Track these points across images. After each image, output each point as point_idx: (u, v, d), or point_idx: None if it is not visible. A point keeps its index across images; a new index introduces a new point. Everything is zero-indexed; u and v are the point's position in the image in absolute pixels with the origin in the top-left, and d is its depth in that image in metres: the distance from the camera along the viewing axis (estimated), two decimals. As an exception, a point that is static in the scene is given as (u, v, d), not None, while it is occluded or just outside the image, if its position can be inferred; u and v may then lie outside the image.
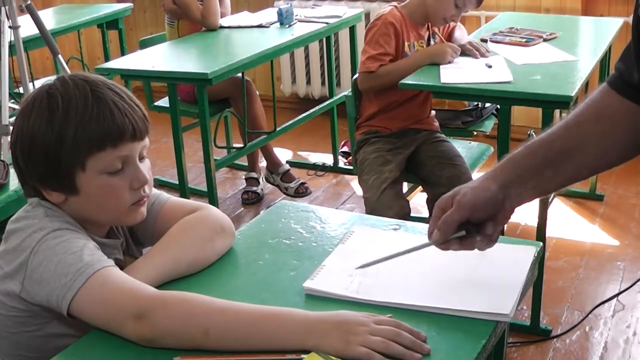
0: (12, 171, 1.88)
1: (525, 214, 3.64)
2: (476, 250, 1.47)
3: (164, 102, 3.98)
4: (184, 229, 1.49)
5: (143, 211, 1.46)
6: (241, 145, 3.85)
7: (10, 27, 3.46)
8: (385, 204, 2.78)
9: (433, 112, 3.20)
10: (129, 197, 1.41)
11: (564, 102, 2.62)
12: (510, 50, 3.18)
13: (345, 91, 3.63)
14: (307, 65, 5.23)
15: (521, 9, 4.44)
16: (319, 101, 4.72)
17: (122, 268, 1.48)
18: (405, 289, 1.35)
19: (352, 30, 4.29)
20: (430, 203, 3.01)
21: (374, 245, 1.52)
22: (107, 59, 4.81)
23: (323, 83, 5.15)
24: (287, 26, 3.92)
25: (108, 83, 1.41)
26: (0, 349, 1.43)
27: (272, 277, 1.44)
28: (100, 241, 1.45)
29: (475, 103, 3.43)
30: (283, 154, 4.52)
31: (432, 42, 3.15)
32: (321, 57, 5.09)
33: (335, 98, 4.38)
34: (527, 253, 1.45)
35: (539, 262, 1.51)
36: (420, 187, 3.24)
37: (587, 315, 2.89)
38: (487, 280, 1.37)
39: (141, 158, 1.43)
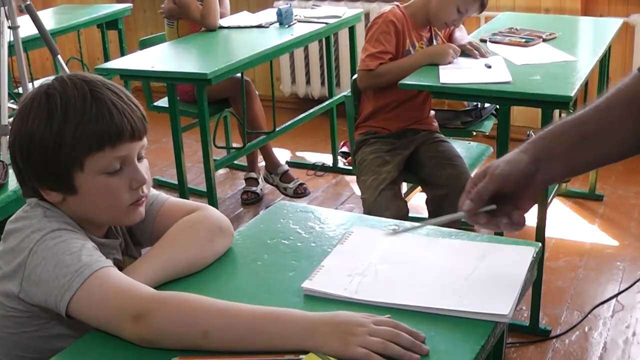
0: (11, 171, 1.88)
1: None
2: (475, 250, 1.47)
3: (163, 102, 3.98)
4: (183, 230, 1.49)
5: (141, 211, 1.46)
6: (240, 145, 3.84)
7: (9, 27, 3.46)
8: (383, 204, 2.78)
9: (432, 113, 3.20)
10: (127, 197, 1.41)
11: (563, 103, 2.62)
12: (509, 51, 3.18)
13: (344, 91, 3.64)
14: (307, 65, 5.23)
15: (521, 9, 4.44)
16: (319, 101, 4.72)
17: (120, 268, 1.48)
18: (404, 290, 1.35)
19: (352, 31, 4.29)
20: (430, 203, 3.00)
21: (373, 245, 1.52)
22: (106, 59, 4.81)
23: (322, 83, 5.16)
24: (286, 26, 3.92)
25: (107, 83, 1.41)
26: (0, 350, 1.43)
27: (271, 278, 1.44)
28: (99, 241, 1.46)
29: (475, 103, 3.43)
30: (282, 154, 4.52)
31: (434, 43, 3.15)
32: (321, 58, 5.09)
33: (334, 98, 4.38)
34: (525, 253, 1.45)
35: (538, 263, 1.51)
36: (419, 188, 3.24)
37: (586, 316, 2.89)
38: (485, 280, 1.37)
39: (140, 158, 1.43)
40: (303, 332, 1.19)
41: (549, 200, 2.86)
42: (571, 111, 3.30)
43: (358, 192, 3.13)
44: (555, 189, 3.34)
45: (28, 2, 3.53)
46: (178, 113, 3.44)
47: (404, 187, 3.30)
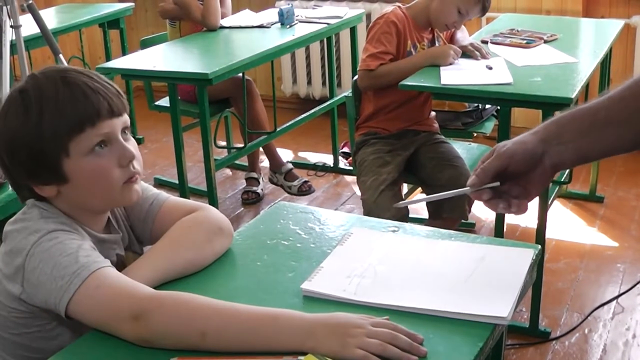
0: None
1: (525, 216, 3.64)
2: (475, 252, 1.47)
3: (164, 101, 3.99)
4: (182, 230, 1.49)
5: (137, 189, 1.45)
6: (241, 145, 3.85)
7: (11, 26, 3.46)
8: (382, 205, 2.78)
9: (433, 114, 3.20)
10: (119, 175, 1.40)
11: (564, 104, 2.61)
12: (510, 52, 3.18)
13: (345, 92, 3.64)
14: (308, 65, 5.23)
15: (522, 11, 4.44)
16: (320, 101, 4.73)
17: (124, 263, 1.49)
18: (403, 291, 1.35)
19: (353, 31, 4.29)
20: (430, 204, 3.01)
21: (372, 247, 1.52)
22: (108, 58, 4.81)
23: (324, 83, 5.16)
24: (288, 26, 3.92)
25: (77, 68, 1.42)
26: (3, 349, 1.43)
27: (270, 278, 1.44)
28: (100, 237, 1.46)
29: (476, 104, 3.43)
30: (283, 154, 4.52)
31: (436, 45, 3.15)
32: (322, 58, 5.09)
33: (335, 98, 4.38)
34: (525, 256, 1.45)
35: (539, 264, 1.51)
36: (420, 189, 3.24)
37: (586, 318, 2.89)
38: (484, 282, 1.37)
39: (125, 137, 1.42)
40: (301, 333, 1.19)
41: (549, 202, 2.86)
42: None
43: (358, 192, 3.13)
44: (555, 190, 3.34)
45: (30, 1, 3.53)
46: (179, 112, 3.44)
47: (405, 187, 3.30)
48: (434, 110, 3.22)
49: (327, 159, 4.52)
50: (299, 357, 1.17)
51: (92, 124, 1.36)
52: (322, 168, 4.47)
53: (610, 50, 3.42)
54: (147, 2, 5.67)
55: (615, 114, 1.29)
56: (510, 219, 3.53)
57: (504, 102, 2.76)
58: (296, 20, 3.99)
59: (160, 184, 4.27)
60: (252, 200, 4.11)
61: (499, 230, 2.86)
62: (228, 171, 4.53)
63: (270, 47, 3.58)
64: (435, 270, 1.42)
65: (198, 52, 3.69)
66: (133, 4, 5.00)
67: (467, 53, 3.08)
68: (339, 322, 1.20)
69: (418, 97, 3.06)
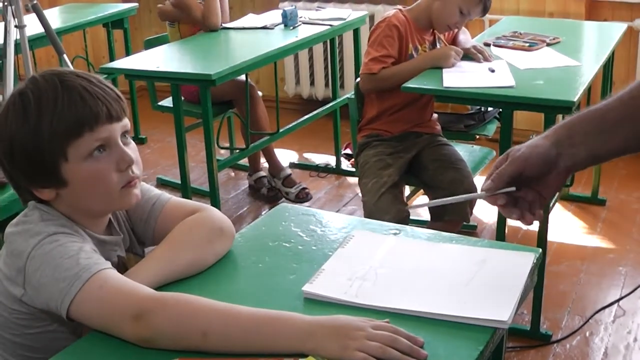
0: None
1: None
2: (476, 255, 1.48)
3: (167, 102, 3.99)
4: (183, 232, 1.49)
5: (136, 193, 1.45)
6: (244, 146, 3.85)
7: (16, 26, 3.47)
8: (383, 208, 2.78)
9: (435, 116, 3.21)
10: (117, 179, 1.40)
11: (566, 107, 2.62)
12: (513, 55, 3.19)
13: (348, 93, 3.64)
14: (311, 66, 5.23)
15: (525, 13, 4.44)
16: (323, 102, 4.73)
17: (125, 265, 1.49)
18: (404, 294, 1.35)
19: (356, 33, 4.30)
20: (432, 207, 3.01)
21: (373, 249, 1.52)
22: (112, 58, 4.82)
23: (326, 85, 5.16)
24: (291, 28, 3.92)
25: (77, 72, 1.42)
26: (4, 350, 1.44)
27: (272, 281, 1.44)
28: (100, 238, 1.46)
29: (478, 107, 3.43)
30: (286, 155, 4.53)
31: (437, 47, 3.15)
32: (325, 59, 5.10)
33: (338, 100, 4.39)
34: (526, 259, 1.46)
35: (540, 267, 1.51)
36: (422, 191, 3.24)
37: (587, 321, 2.89)
38: (485, 286, 1.37)
39: (125, 141, 1.42)
40: (302, 335, 1.20)
41: (551, 205, 2.86)
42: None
43: (360, 194, 3.14)
44: (557, 193, 3.34)
45: (35, 2, 3.54)
46: (182, 113, 3.45)
47: (407, 190, 3.30)
48: (436, 113, 3.23)
49: (330, 160, 4.53)
50: (299, 359, 1.17)
51: (90, 129, 1.36)
52: (325, 169, 4.47)
53: (613, 53, 3.42)
54: (151, 3, 5.67)
55: (626, 113, 1.29)
56: (512, 221, 3.54)
57: (506, 104, 2.77)
58: (299, 21, 3.99)
59: (162, 184, 4.27)
60: (273, 194, 4.12)
61: (500, 232, 2.87)
62: (230, 172, 4.53)
63: (274, 49, 3.59)
64: (436, 273, 1.43)
65: (201, 53, 3.70)
66: (137, 4, 5.01)
67: (469, 55, 3.09)
68: (340, 325, 1.20)
69: (420, 100, 3.06)
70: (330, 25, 3.97)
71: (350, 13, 4.20)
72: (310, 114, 4.24)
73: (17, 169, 1.41)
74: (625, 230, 3.63)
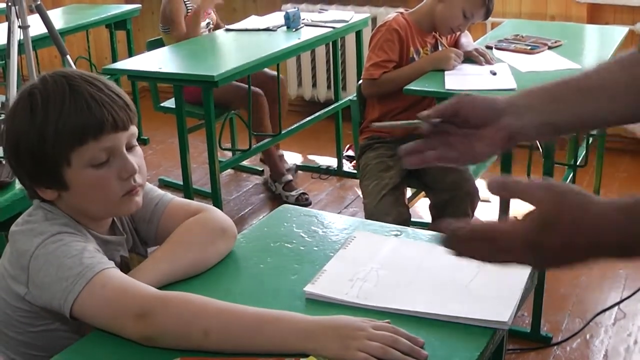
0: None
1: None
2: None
3: (170, 103, 4.00)
4: (186, 232, 1.50)
5: (138, 201, 1.45)
6: (246, 147, 3.87)
7: (20, 26, 3.48)
8: (384, 210, 2.79)
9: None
10: (118, 187, 1.40)
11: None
12: (515, 58, 3.19)
13: (350, 95, 3.66)
14: (313, 68, 5.24)
15: (527, 16, 4.45)
16: (325, 104, 4.74)
17: (128, 265, 1.50)
18: (405, 295, 1.36)
19: (359, 35, 4.30)
20: (433, 209, 3.02)
21: (374, 250, 1.53)
22: (114, 59, 4.84)
23: (329, 87, 5.17)
24: (294, 30, 3.93)
25: (86, 76, 1.41)
26: (8, 348, 1.45)
27: (273, 281, 1.45)
28: (103, 238, 1.47)
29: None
30: (288, 157, 4.53)
31: (438, 50, 3.16)
32: (327, 61, 5.11)
33: (340, 102, 4.40)
34: (526, 261, 1.46)
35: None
36: (423, 193, 3.25)
37: (588, 323, 2.89)
38: (485, 287, 1.38)
39: (130, 147, 1.42)
40: (303, 334, 1.20)
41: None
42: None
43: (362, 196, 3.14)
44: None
45: (38, 2, 3.56)
46: (184, 114, 3.46)
47: (408, 192, 3.31)
48: (438, 115, 3.22)
49: (332, 162, 4.53)
50: (301, 359, 1.18)
51: (94, 137, 1.36)
52: (326, 171, 4.48)
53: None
54: (153, 4, 5.68)
55: (586, 83, 1.19)
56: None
57: (508, 107, 2.77)
58: (302, 23, 4.00)
59: (164, 184, 4.28)
60: (306, 201, 4.12)
61: (501, 235, 2.86)
62: (232, 173, 4.54)
63: (276, 50, 3.60)
64: (436, 274, 1.43)
65: (204, 55, 3.71)
66: (140, 5, 5.03)
67: (471, 58, 3.09)
68: (341, 325, 1.21)
69: (422, 102, 3.06)
70: (333, 27, 3.98)
71: (353, 15, 4.21)
72: (313, 116, 4.25)
73: (21, 167, 1.41)
74: (626, 233, 3.62)
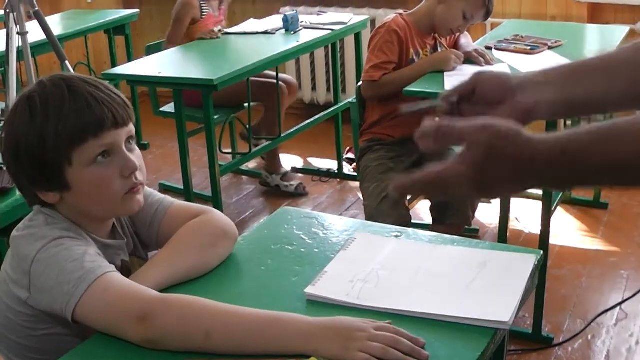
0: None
1: (529, 222, 3.65)
2: (477, 257, 1.48)
3: (169, 107, 4.00)
4: (187, 235, 1.50)
5: (139, 199, 1.45)
6: (246, 151, 3.87)
7: (18, 33, 3.49)
8: (384, 212, 2.79)
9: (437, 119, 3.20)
10: (120, 185, 1.41)
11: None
12: (515, 58, 3.19)
13: (350, 97, 3.66)
14: (313, 71, 5.24)
15: (527, 17, 4.45)
16: (324, 107, 4.74)
17: (128, 269, 1.50)
18: (406, 296, 1.36)
19: (358, 37, 4.30)
20: (434, 210, 3.02)
21: (375, 252, 1.53)
22: (114, 64, 4.83)
23: (328, 89, 5.17)
24: (292, 33, 3.93)
25: (84, 77, 1.43)
26: (11, 352, 1.45)
27: (274, 283, 1.45)
28: (104, 242, 1.47)
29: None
30: (288, 160, 4.53)
31: (438, 51, 3.16)
32: (327, 64, 5.11)
33: (340, 104, 4.40)
34: (527, 261, 1.46)
35: (542, 270, 1.52)
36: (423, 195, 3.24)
37: (589, 324, 2.89)
38: (486, 287, 1.38)
39: (129, 147, 1.43)
40: (304, 336, 1.20)
41: (553, 208, 2.86)
42: (576, 119, 3.31)
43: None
44: (559, 196, 3.34)
45: (36, 8, 3.55)
46: (184, 118, 3.46)
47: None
48: (438, 117, 3.22)
49: (332, 165, 4.53)
50: (302, 361, 1.18)
51: (95, 135, 1.37)
52: (327, 174, 4.48)
53: (615, 56, 3.42)
54: (152, 9, 5.69)
55: (612, 62, 1.20)
56: (514, 224, 3.55)
57: (508, 108, 2.76)
58: (301, 26, 4.01)
59: (165, 189, 4.28)
60: (304, 191, 4.21)
61: (502, 235, 2.87)
62: (233, 176, 4.55)
63: (275, 53, 3.60)
64: (437, 275, 1.43)
65: (203, 59, 3.71)
66: (138, 10, 5.03)
67: (471, 59, 3.09)
68: (342, 326, 1.21)
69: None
70: (332, 29, 3.98)
71: (352, 17, 4.21)
72: (312, 119, 4.26)
73: (22, 172, 1.41)
74: (628, 233, 3.62)
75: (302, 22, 4.05)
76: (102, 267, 1.33)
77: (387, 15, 3.18)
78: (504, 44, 3.40)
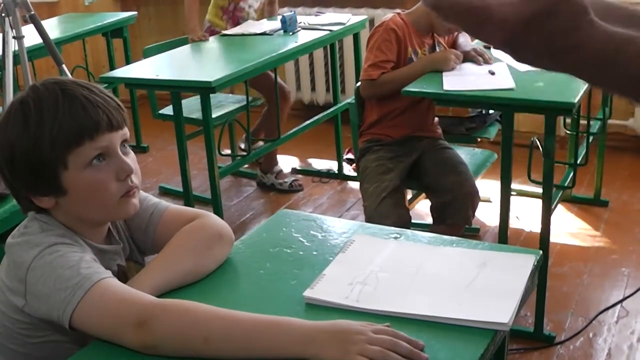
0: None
1: (529, 220, 3.65)
2: (476, 258, 1.47)
3: (168, 110, 4.00)
4: (183, 239, 1.50)
5: (135, 203, 1.45)
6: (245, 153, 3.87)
7: (14, 37, 3.48)
8: (384, 212, 2.79)
9: (436, 119, 3.21)
10: (116, 188, 1.41)
11: (566, 109, 2.62)
12: (513, 57, 3.18)
13: (349, 98, 3.65)
14: (312, 72, 5.24)
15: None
16: (324, 108, 4.74)
17: (125, 273, 1.49)
18: (405, 298, 1.35)
19: (356, 37, 4.30)
20: (434, 210, 3.01)
21: (374, 254, 1.52)
22: (112, 67, 4.83)
23: (327, 90, 5.17)
24: (290, 34, 3.93)
25: (77, 81, 1.42)
26: (8, 359, 1.44)
27: (273, 286, 1.45)
28: (100, 247, 1.46)
29: (479, 109, 3.43)
30: (288, 161, 4.53)
31: (436, 50, 3.15)
32: (325, 64, 5.11)
33: (339, 105, 4.39)
34: (526, 261, 1.46)
35: (543, 268, 1.51)
36: (423, 194, 3.24)
37: (591, 322, 2.89)
38: (486, 289, 1.37)
39: (124, 150, 1.43)
40: (303, 340, 1.20)
41: (553, 206, 2.86)
42: (575, 117, 3.31)
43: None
44: (560, 194, 3.34)
45: (32, 12, 3.55)
46: (183, 121, 3.46)
47: (409, 193, 3.30)
48: (437, 116, 3.22)
49: (332, 166, 4.53)
50: (301, 365, 1.18)
51: (90, 138, 1.36)
52: (327, 174, 4.47)
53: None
54: (150, 11, 5.69)
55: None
56: (514, 224, 3.54)
57: (507, 107, 2.77)
58: (299, 27, 4.00)
59: (165, 192, 4.28)
60: (299, 187, 4.26)
61: (502, 235, 2.86)
62: (233, 178, 4.54)
63: (274, 54, 3.60)
64: (436, 276, 1.43)
65: (201, 61, 3.71)
66: (136, 12, 5.02)
67: (469, 58, 3.09)
68: (341, 329, 1.21)
69: (421, 104, 3.06)
70: (330, 30, 3.98)
71: (350, 17, 4.21)
72: (312, 120, 4.25)
73: (17, 177, 1.41)
74: (628, 231, 3.62)
75: (300, 23, 4.05)
76: (99, 273, 1.33)
77: (385, 15, 3.17)
78: (502, 43, 3.38)
